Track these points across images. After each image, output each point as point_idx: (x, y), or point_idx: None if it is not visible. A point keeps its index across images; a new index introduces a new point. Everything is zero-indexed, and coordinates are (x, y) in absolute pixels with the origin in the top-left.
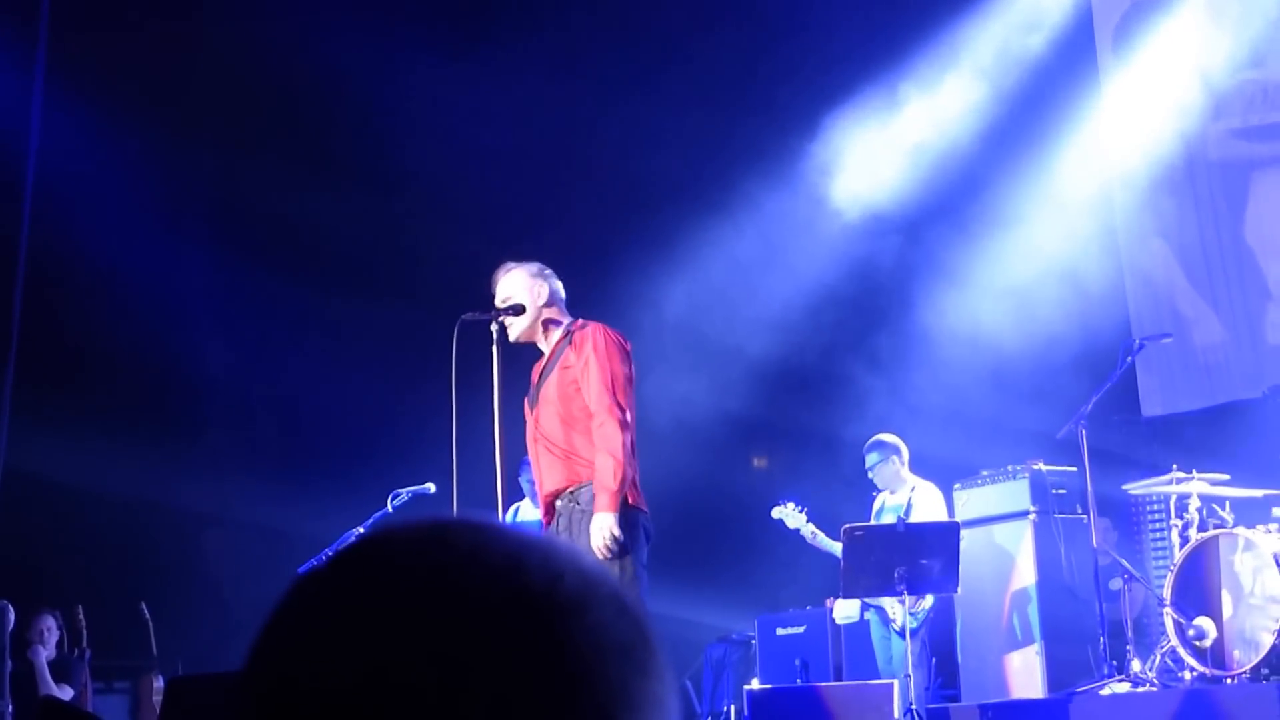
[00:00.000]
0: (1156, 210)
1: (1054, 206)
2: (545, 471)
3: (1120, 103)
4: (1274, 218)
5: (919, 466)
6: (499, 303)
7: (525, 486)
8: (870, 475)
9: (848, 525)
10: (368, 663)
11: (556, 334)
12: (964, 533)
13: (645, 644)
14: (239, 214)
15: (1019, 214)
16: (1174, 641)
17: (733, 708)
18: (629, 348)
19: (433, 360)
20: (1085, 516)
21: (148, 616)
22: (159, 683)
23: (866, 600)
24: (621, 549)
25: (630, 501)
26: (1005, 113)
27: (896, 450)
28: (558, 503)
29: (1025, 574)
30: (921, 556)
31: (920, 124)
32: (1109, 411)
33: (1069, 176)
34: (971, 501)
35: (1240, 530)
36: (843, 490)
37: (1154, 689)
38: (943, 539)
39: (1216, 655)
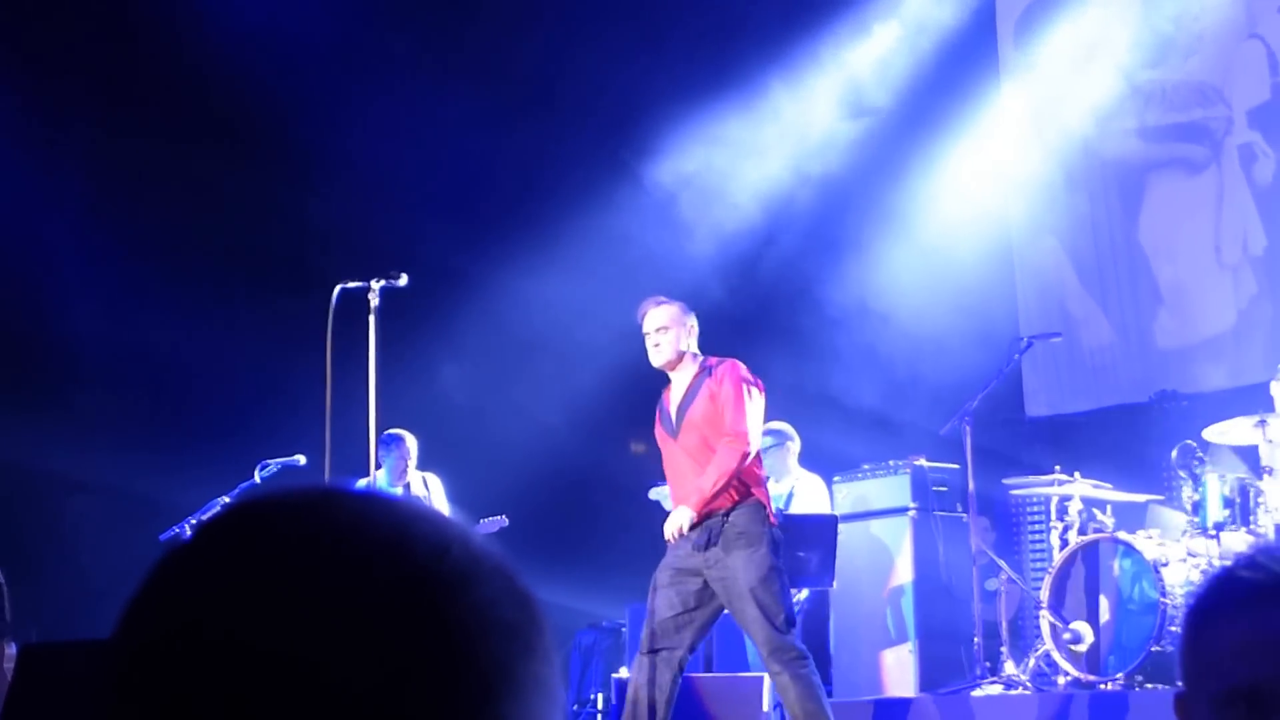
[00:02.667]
0: (1051, 208)
1: (947, 201)
2: (689, 497)
3: (1019, 98)
4: (1168, 221)
5: (802, 457)
6: (651, 330)
7: (387, 463)
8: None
9: None
10: (243, 634)
11: (692, 368)
12: (842, 527)
13: (532, 623)
14: (115, 173)
15: (911, 208)
16: (1049, 645)
17: (600, 696)
18: (761, 385)
19: (309, 329)
20: (965, 515)
21: (1, 581)
22: (11, 649)
23: None
24: (764, 560)
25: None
26: (901, 106)
27: (790, 439)
28: (709, 521)
29: (902, 571)
30: (799, 549)
31: (813, 117)
32: (994, 410)
33: (964, 171)
34: (851, 495)
35: (1121, 535)
36: None
37: (1027, 692)
38: (821, 532)
39: (1091, 660)
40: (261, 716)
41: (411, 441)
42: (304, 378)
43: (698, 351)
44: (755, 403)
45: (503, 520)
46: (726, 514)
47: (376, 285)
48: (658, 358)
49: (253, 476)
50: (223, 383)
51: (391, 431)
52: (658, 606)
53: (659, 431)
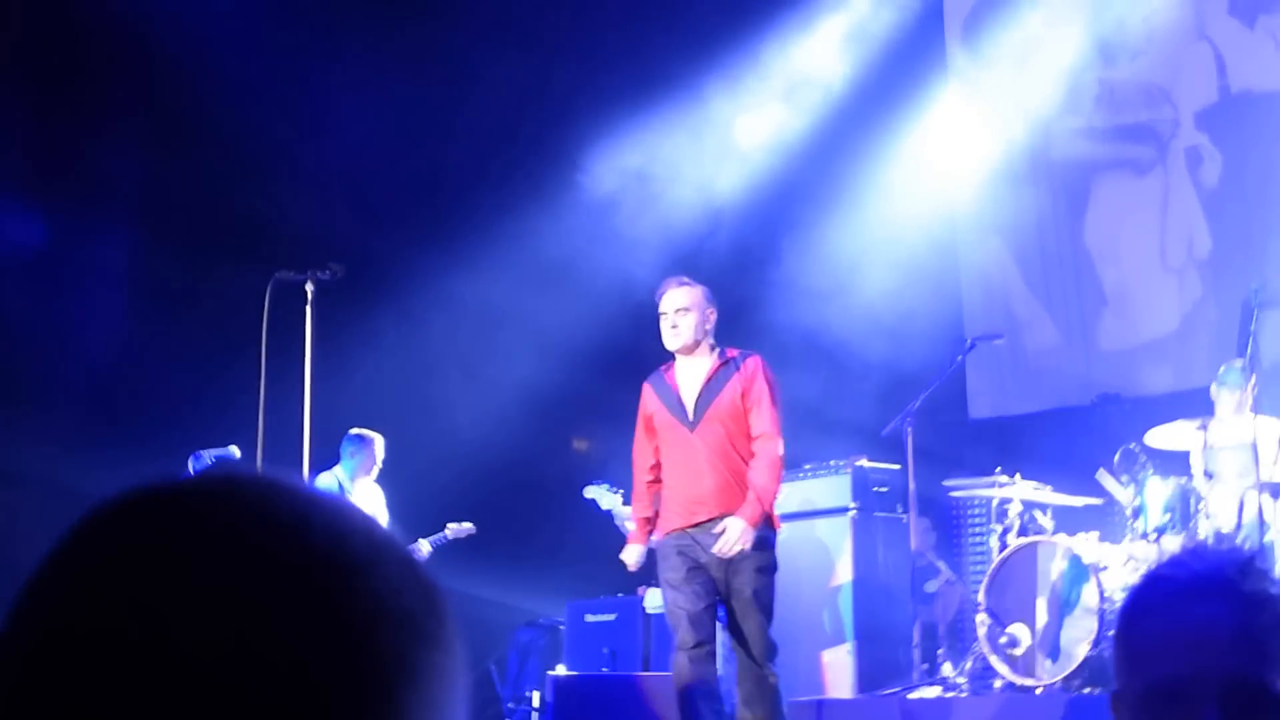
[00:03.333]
0: (997, 208)
1: (893, 199)
2: (709, 490)
3: (967, 95)
4: (1113, 223)
5: None
6: (671, 311)
7: (353, 461)
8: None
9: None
10: (142, 616)
11: (710, 357)
12: (783, 526)
13: (434, 613)
14: (46, 158)
15: (857, 209)
16: (985, 648)
17: (536, 694)
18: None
19: (244, 320)
20: (905, 516)
21: None
22: None
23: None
24: (771, 566)
25: (774, 524)
26: (848, 105)
27: None
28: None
29: (842, 571)
30: None
31: (757, 116)
32: (937, 410)
33: (910, 169)
34: (793, 494)
35: (1060, 538)
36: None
37: (964, 694)
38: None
39: (1028, 663)
40: (154, 708)
41: (380, 444)
42: (239, 369)
43: (715, 341)
44: (779, 401)
45: (470, 528)
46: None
47: (313, 278)
48: (674, 340)
49: (186, 468)
50: (156, 373)
51: (360, 432)
52: (687, 603)
53: (662, 418)
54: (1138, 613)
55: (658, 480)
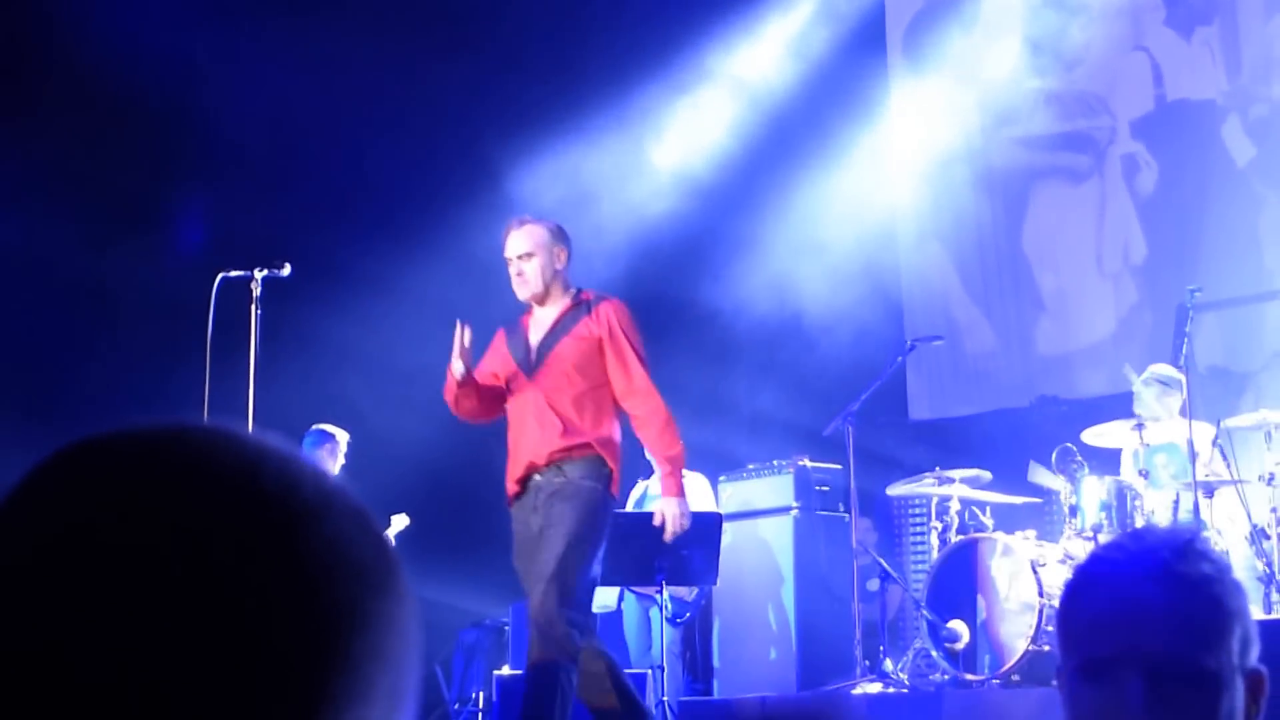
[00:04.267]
0: (937, 213)
1: (837, 203)
2: (536, 438)
3: (907, 104)
4: (1050, 229)
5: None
6: (513, 257)
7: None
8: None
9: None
10: (85, 560)
11: (563, 300)
12: (727, 526)
13: (385, 562)
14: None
15: (800, 207)
16: (927, 643)
17: (482, 694)
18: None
19: (189, 320)
20: (847, 515)
21: None
22: None
23: (633, 589)
24: (598, 533)
25: (612, 485)
26: (788, 111)
27: None
28: (538, 477)
29: (785, 570)
30: (683, 547)
31: (699, 121)
32: (877, 411)
33: (851, 175)
34: (736, 494)
35: (999, 535)
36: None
37: (905, 689)
38: (705, 530)
39: (968, 658)
40: (99, 653)
41: (344, 441)
42: (184, 369)
43: (569, 283)
44: (642, 346)
45: (405, 519)
46: (560, 465)
47: (259, 275)
48: (523, 289)
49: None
50: (99, 374)
51: (322, 427)
52: (525, 582)
53: (507, 369)
54: (1073, 593)
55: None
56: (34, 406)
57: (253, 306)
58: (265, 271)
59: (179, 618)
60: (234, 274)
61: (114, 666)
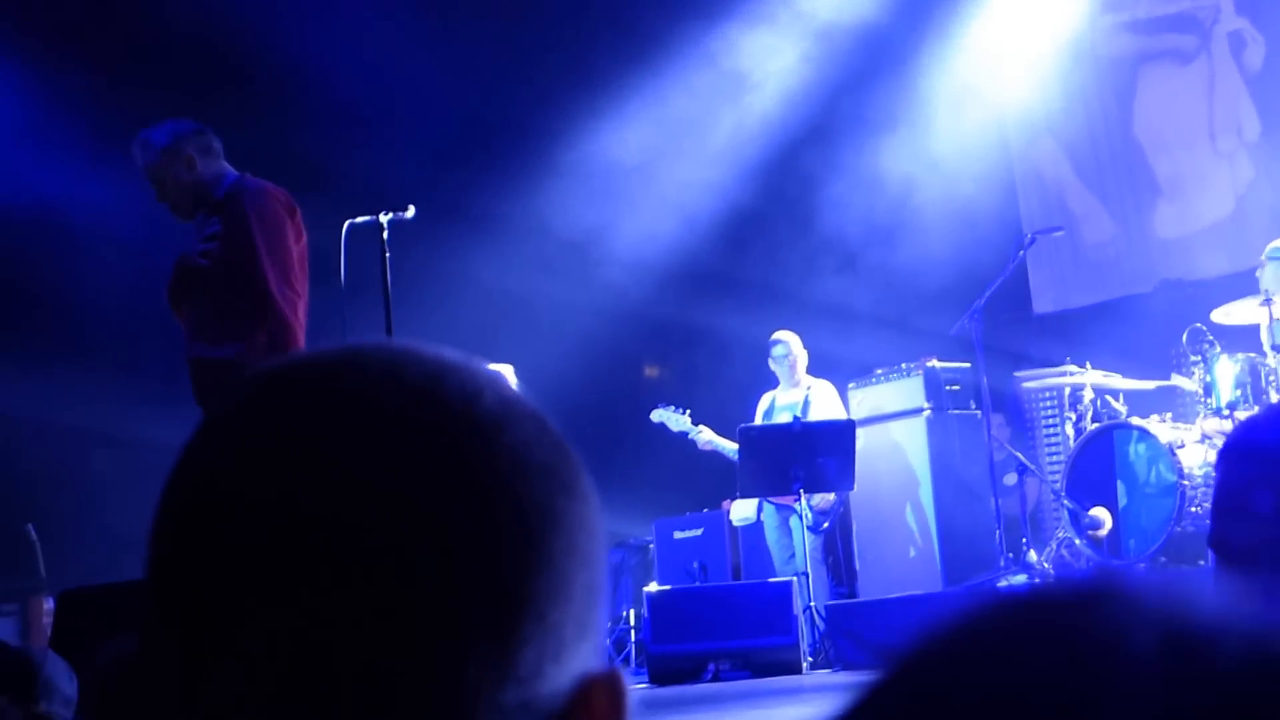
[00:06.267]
0: (1046, 107)
1: (946, 103)
2: None
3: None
4: (1161, 112)
5: (814, 366)
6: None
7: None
8: (773, 367)
9: (744, 425)
10: (283, 483)
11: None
12: (859, 431)
13: (568, 464)
14: (117, 122)
15: (909, 114)
16: (1070, 532)
17: (632, 611)
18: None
19: (320, 267)
20: (979, 412)
21: (34, 538)
22: (49, 604)
23: (772, 499)
24: None
25: None
26: (894, 13)
27: (799, 347)
28: None
29: (920, 471)
30: (818, 455)
31: (808, 23)
32: (1001, 308)
33: (960, 73)
34: (866, 400)
35: (1136, 420)
36: (735, 391)
37: (1051, 579)
38: (839, 437)
39: (1112, 544)
40: (299, 573)
41: (508, 373)
42: (317, 315)
43: (224, 173)
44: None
45: None
46: None
47: (385, 219)
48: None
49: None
50: None
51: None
52: None
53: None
54: (1231, 462)
55: None
56: (178, 360)
57: (385, 253)
58: (390, 215)
59: (374, 537)
60: (360, 220)
61: (331, 567)
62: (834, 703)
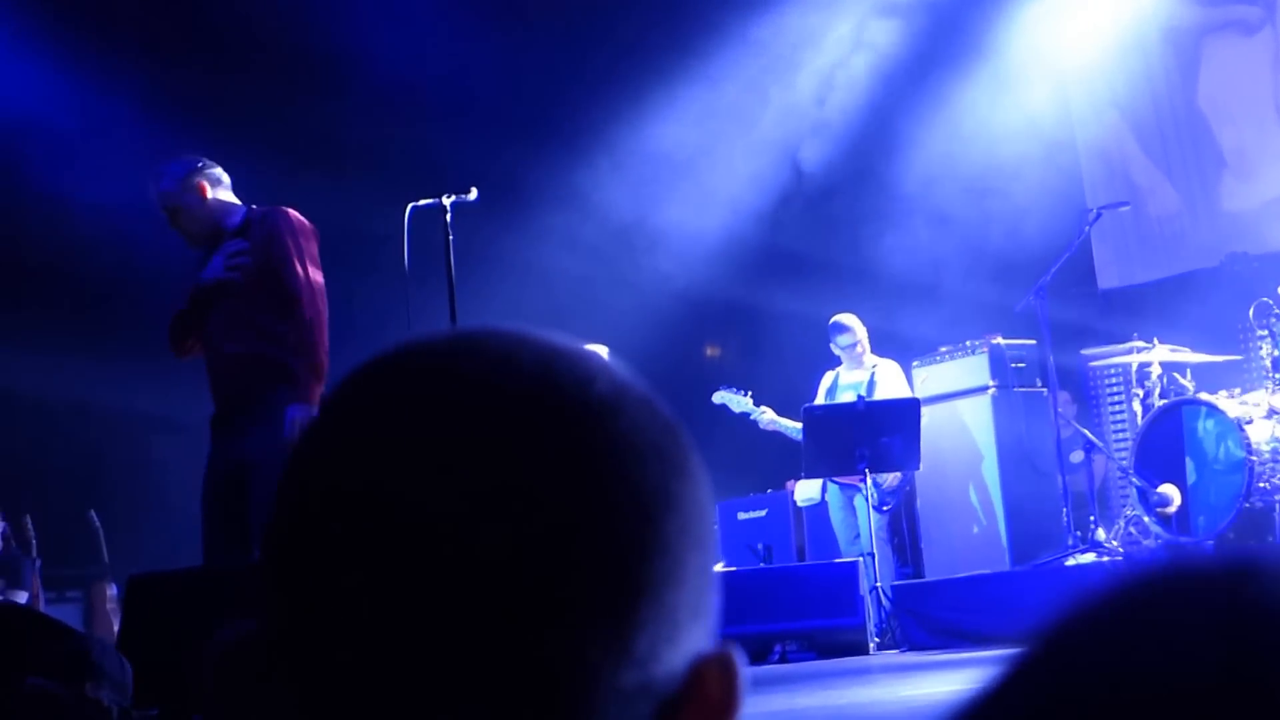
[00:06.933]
0: (1109, 80)
1: (1008, 80)
2: None
3: None
4: (1226, 84)
5: (877, 345)
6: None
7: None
8: (836, 352)
9: (808, 405)
10: (403, 481)
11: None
12: (924, 410)
13: (680, 447)
14: (172, 108)
15: (973, 89)
16: (1138, 509)
17: None
18: None
19: (381, 251)
20: (1044, 389)
21: (98, 524)
22: (112, 590)
23: (837, 479)
24: None
25: None
26: None
27: (862, 331)
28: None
29: (986, 448)
30: (883, 434)
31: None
32: (1066, 284)
33: (1022, 50)
34: (931, 378)
35: (1204, 395)
36: (796, 370)
37: (1119, 558)
38: (904, 416)
39: (1181, 521)
40: (419, 557)
41: (603, 354)
42: (381, 298)
43: (234, 204)
44: None
45: None
46: None
47: (448, 201)
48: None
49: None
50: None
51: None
52: None
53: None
54: None
55: None
56: None
57: (448, 236)
58: (453, 198)
59: (493, 521)
60: (423, 203)
61: (448, 553)
62: (969, 679)
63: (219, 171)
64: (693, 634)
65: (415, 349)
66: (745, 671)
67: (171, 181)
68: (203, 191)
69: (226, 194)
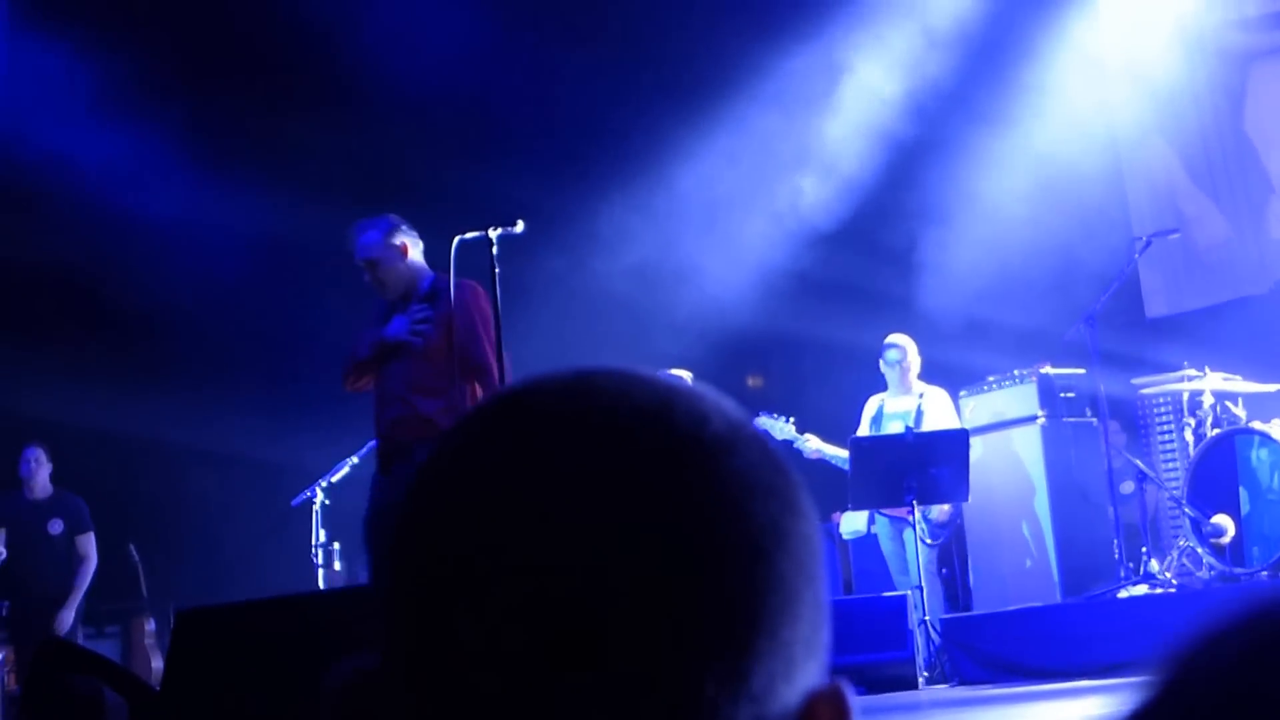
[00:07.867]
0: (1156, 107)
1: (1053, 107)
2: None
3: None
4: (1274, 110)
5: (924, 372)
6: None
7: None
8: (884, 370)
9: (854, 436)
10: (522, 516)
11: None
12: (972, 440)
13: (791, 485)
14: (214, 143)
15: (1019, 117)
16: (1191, 540)
17: None
18: None
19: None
20: (1094, 419)
21: (137, 558)
22: (150, 625)
23: (884, 511)
24: None
25: None
26: (1002, 15)
27: (914, 353)
28: None
29: (1036, 479)
30: (931, 465)
31: (911, 28)
32: (1113, 313)
33: (1068, 76)
34: (979, 408)
35: (1258, 424)
36: (839, 399)
37: (1172, 589)
38: (953, 447)
39: (1235, 552)
40: (539, 602)
41: (687, 378)
42: None
43: (425, 267)
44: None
45: None
46: None
47: (494, 234)
48: (386, 294)
49: (375, 436)
50: (339, 342)
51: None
52: None
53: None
54: None
55: None
56: (277, 373)
57: (494, 268)
58: (500, 230)
59: (611, 556)
60: (470, 235)
61: (569, 591)
62: (1020, 713)
63: (417, 236)
64: (808, 669)
65: (536, 387)
66: (856, 705)
67: (377, 235)
68: (405, 251)
69: (420, 257)
